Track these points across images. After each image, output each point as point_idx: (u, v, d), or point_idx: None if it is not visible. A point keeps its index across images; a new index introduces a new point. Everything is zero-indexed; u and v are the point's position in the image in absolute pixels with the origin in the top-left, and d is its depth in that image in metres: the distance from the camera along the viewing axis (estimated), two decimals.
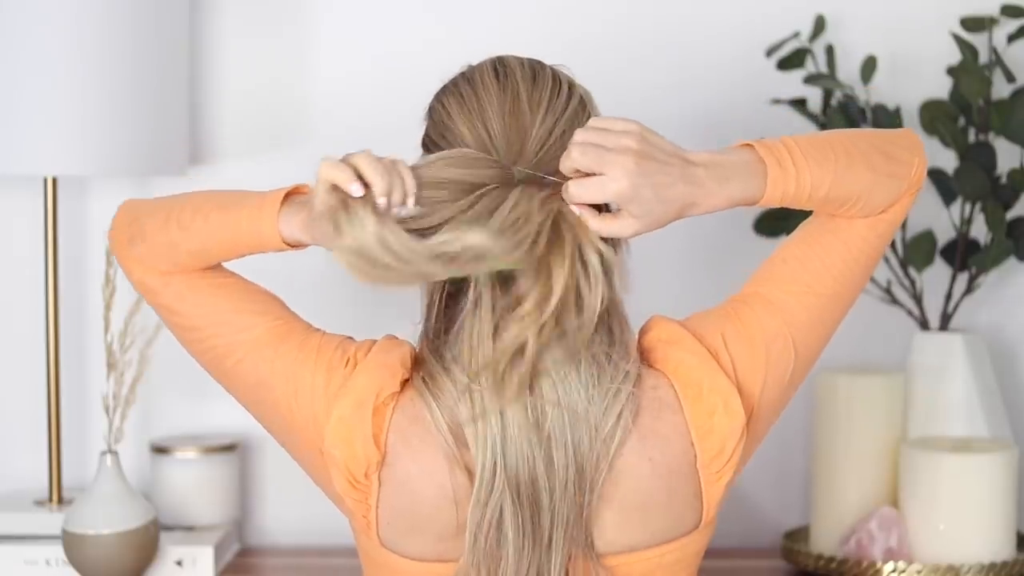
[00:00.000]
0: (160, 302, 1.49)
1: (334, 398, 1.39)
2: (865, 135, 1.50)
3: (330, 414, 1.38)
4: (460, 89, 1.44)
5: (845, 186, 1.43)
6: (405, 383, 1.41)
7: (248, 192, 1.46)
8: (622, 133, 1.35)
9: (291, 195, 1.42)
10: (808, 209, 1.46)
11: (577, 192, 1.35)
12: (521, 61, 1.46)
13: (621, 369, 1.37)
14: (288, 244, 1.42)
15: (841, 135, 1.48)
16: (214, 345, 1.46)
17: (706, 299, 1.53)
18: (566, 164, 1.37)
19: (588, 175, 1.35)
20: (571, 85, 1.45)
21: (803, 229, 1.49)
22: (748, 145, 1.42)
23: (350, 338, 1.45)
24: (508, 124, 1.40)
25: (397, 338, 1.45)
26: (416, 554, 1.40)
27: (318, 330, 1.46)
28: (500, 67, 1.44)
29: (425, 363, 1.40)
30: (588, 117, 1.43)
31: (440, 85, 1.47)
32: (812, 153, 1.42)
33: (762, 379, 1.42)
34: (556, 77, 1.45)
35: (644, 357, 1.42)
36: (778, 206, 1.43)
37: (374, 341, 1.44)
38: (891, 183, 1.46)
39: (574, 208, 1.36)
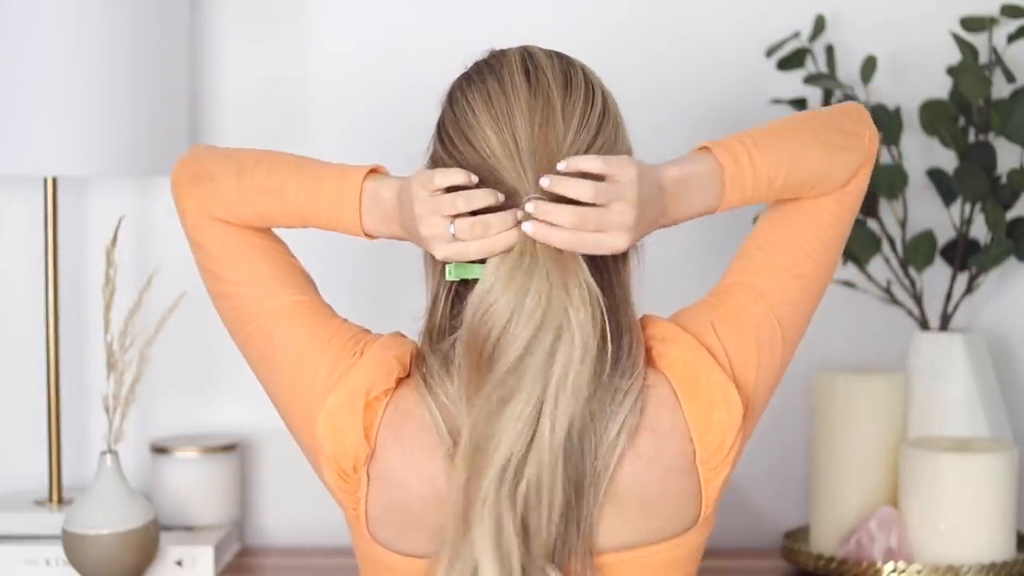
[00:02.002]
0: (203, 241, 1.49)
1: (330, 389, 1.39)
2: (813, 115, 1.53)
3: (323, 404, 1.39)
4: (488, 87, 1.40)
5: (802, 168, 1.45)
6: (402, 380, 1.41)
7: (325, 167, 1.46)
8: (628, 185, 1.36)
9: (370, 176, 1.43)
10: (772, 200, 1.48)
11: (570, 247, 1.35)
12: (551, 59, 1.42)
13: (622, 388, 1.37)
14: (367, 235, 1.44)
15: (791, 119, 1.50)
16: (239, 304, 1.46)
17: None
18: (568, 188, 1.35)
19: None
20: (603, 91, 1.43)
21: (771, 214, 1.50)
22: (706, 148, 1.44)
23: (368, 331, 1.45)
24: (538, 137, 1.38)
25: (403, 336, 1.45)
26: (408, 550, 1.40)
27: (340, 317, 1.46)
28: (531, 66, 1.41)
29: (427, 362, 1.40)
30: (617, 127, 1.42)
31: (462, 71, 1.45)
32: (765, 142, 1.45)
33: (755, 368, 1.43)
34: (588, 82, 1.42)
35: None
36: (739, 205, 1.45)
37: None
38: (846, 156, 1.48)
39: (557, 236, 1.35)
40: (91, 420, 2.24)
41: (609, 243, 1.36)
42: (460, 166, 1.39)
